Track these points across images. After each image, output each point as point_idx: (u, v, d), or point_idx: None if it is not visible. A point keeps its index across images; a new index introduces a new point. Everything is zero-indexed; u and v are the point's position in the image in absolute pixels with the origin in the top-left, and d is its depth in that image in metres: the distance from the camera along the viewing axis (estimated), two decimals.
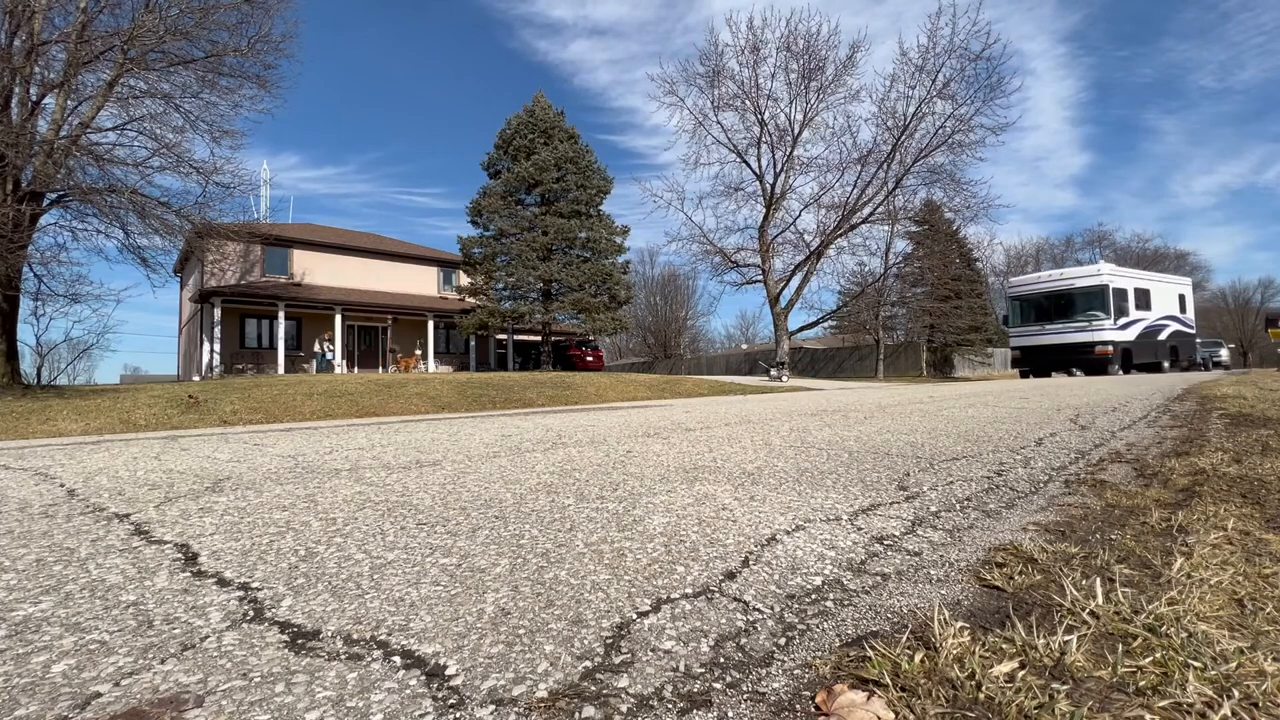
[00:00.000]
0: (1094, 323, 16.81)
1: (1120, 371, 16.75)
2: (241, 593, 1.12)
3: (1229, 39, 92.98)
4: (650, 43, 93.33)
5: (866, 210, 21.12)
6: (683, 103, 21.40)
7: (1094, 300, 16.98)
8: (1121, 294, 17.15)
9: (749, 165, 22.00)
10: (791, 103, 20.82)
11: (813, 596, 1.10)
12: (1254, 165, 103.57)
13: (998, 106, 19.12)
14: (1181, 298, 20.84)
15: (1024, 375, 19.22)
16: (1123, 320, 17.09)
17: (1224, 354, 31.46)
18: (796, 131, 20.99)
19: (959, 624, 0.92)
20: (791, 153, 21.30)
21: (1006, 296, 19.96)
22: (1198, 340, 23.56)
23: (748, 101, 20.97)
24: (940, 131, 19.82)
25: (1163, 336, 19.02)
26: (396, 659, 0.86)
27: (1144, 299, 18.21)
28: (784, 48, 20.19)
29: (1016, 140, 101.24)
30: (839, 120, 23.77)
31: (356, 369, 25.30)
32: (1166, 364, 18.97)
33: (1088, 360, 16.60)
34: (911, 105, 19.76)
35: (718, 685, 0.80)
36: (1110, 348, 16.33)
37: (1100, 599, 0.98)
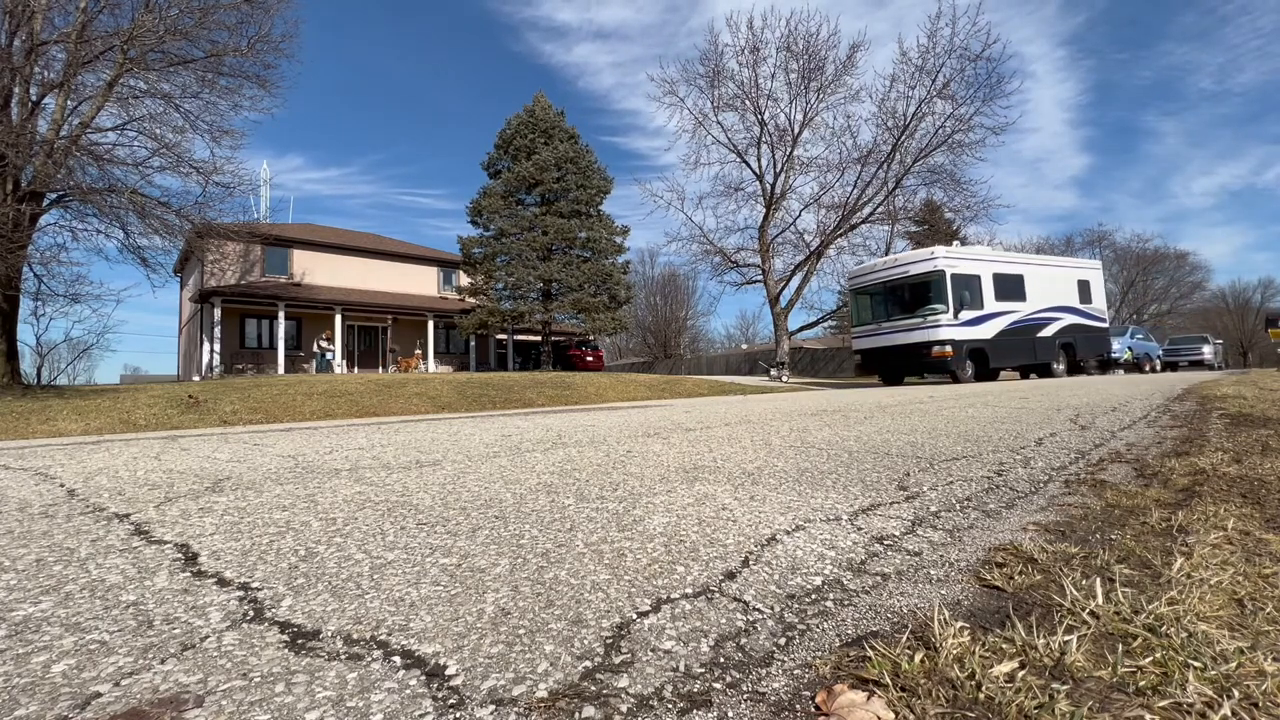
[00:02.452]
0: (930, 318, 13.34)
1: (971, 377, 13.63)
2: (241, 593, 1.12)
3: (1228, 42, 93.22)
4: (654, 46, 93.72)
5: (866, 210, 21.13)
6: (683, 103, 21.44)
7: (930, 291, 13.63)
8: (966, 282, 13.75)
9: (749, 165, 22.02)
10: (791, 103, 20.83)
11: (813, 596, 1.10)
12: (1253, 166, 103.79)
13: (998, 107, 19.15)
14: (1083, 285, 16.93)
15: (883, 379, 16.05)
16: (972, 314, 13.66)
17: (1206, 351, 27.14)
18: (796, 131, 21.00)
19: (959, 624, 0.92)
20: (791, 153, 21.31)
21: (847, 289, 16.45)
22: (1110, 334, 19.50)
23: (748, 102, 20.99)
24: (940, 131, 19.84)
25: (1048, 332, 15.37)
26: (396, 659, 0.86)
27: (1012, 287, 14.80)
28: (784, 48, 20.21)
29: (1017, 142, 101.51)
30: (839, 120, 23.76)
31: (356, 369, 25.30)
32: (1057, 365, 15.51)
33: (925, 363, 13.48)
34: (911, 105, 19.76)
35: (718, 685, 0.80)
36: (948, 348, 13.00)
37: (1100, 599, 0.98)
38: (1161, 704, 0.71)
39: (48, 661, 0.87)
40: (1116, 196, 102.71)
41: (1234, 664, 0.78)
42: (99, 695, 0.78)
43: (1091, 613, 0.95)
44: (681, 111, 21.71)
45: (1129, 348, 20.09)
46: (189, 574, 1.23)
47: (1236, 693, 0.72)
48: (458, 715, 0.72)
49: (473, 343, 27.79)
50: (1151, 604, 0.96)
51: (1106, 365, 18.35)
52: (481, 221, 25.56)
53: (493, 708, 0.74)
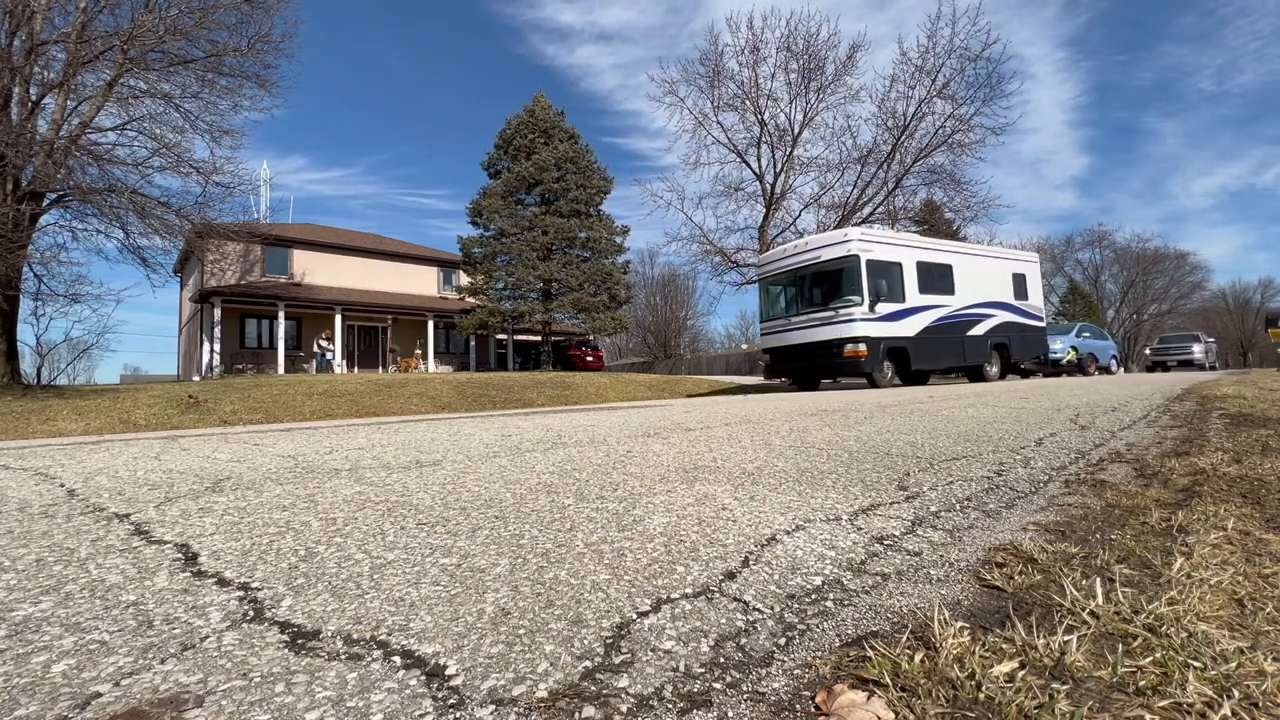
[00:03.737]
0: (842, 311, 11.29)
1: (892, 379, 11.87)
2: (241, 593, 1.12)
3: (1227, 44, 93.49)
4: (656, 47, 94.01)
5: (866, 210, 21.14)
6: (683, 103, 21.42)
7: (844, 280, 11.58)
8: (885, 270, 11.77)
9: (749, 165, 22.02)
10: (791, 103, 20.83)
11: (813, 596, 1.10)
12: (1252, 167, 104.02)
13: (998, 107, 19.15)
14: (1019, 278, 15.01)
15: (796, 383, 13.86)
16: (891, 308, 11.67)
17: (1196, 350, 25.03)
18: (796, 131, 21.00)
19: (959, 624, 0.92)
20: (791, 153, 21.31)
21: (757, 279, 13.97)
22: (1052, 333, 17.81)
23: (748, 101, 20.99)
24: (940, 131, 19.84)
25: (979, 330, 13.46)
26: (396, 659, 0.86)
27: (939, 278, 12.89)
28: (784, 48, 20.21)
29: (1017, 143, 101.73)
30: (839, 120, 23.79)
31: (356, 369, 25.29)
32: (990, 367, 13.69)
33: (835, 364, 11.41)
34: (911, 105, 19.76)
35: (718, 685, 0.80)
36: (862, 346, 11.01)
37: (1100, 599, 0.98)
38: (1161, 704, 0.71)
39: (48, 661, 0.87)
40: (1116, 197, 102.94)
41: (1234, 664, 0.78)
42: (99, 695, 0.78)
43: (1091, 613, 0.95)
44: (681, 112, 21.70)
45: (1072, 347, 17.75)
46: (189, 574, 1.23)
47: (1236, 693, 0.72)
48: (458, 715, 0.72)
49: (473, 343, 27.79)
50: (1151, 604, 0.96)
51: (1036, 368, 16.52)
52: (481, 221, 25.56)
53: (493, 708, 0.74)
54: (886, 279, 11.64)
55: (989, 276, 14.23)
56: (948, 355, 12.91)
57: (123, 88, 12.35)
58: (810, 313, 12.07)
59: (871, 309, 11.27)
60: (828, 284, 12.06)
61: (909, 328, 12.06)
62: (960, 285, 13.30)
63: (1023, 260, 15.59)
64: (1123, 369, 22.89)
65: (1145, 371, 25.76)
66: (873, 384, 11.66)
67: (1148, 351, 28.13)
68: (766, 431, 3.52)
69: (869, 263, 11.43)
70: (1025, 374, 16.42)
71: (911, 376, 12.80)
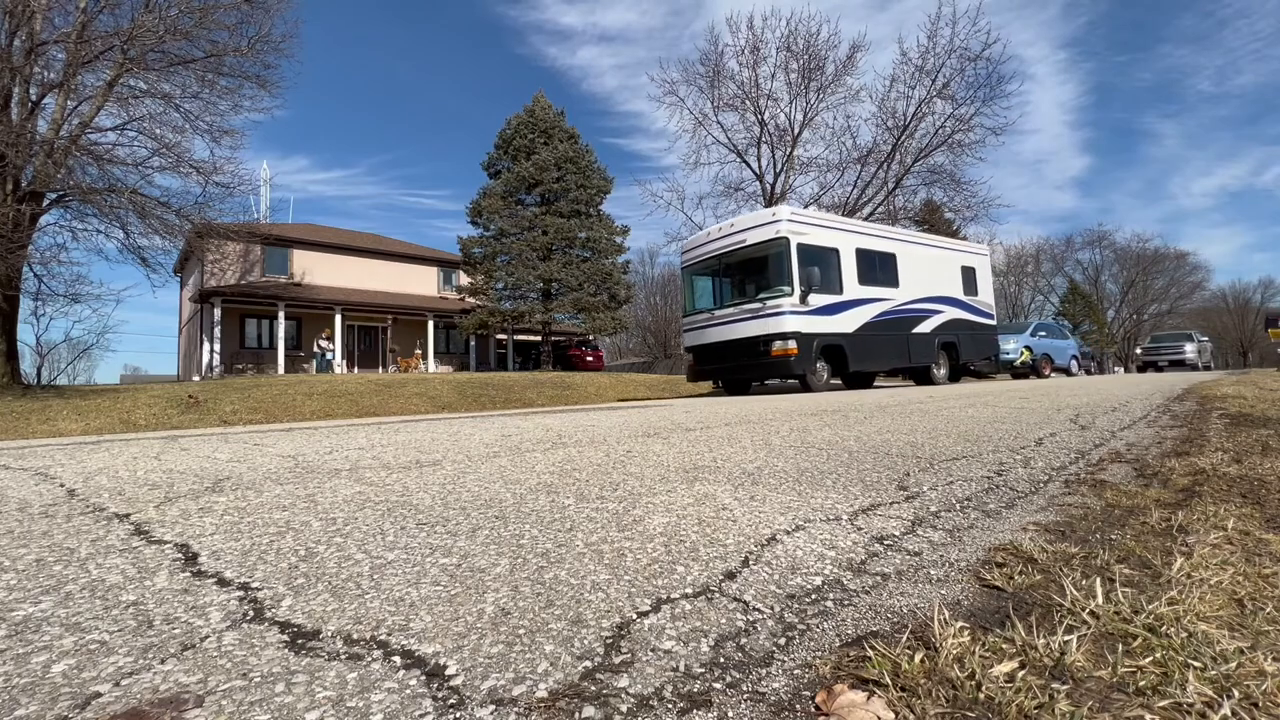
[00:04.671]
0: (770, 304, 9.75)
1: (827, 382, 10.37)
2: (241, 593, 1.12)
3: (1226, 45, 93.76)
4: (658, 49, 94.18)
5: (866, 210, 21.14)
6: (683, 103, 21.45)
7: (771, 267, 10.05)
8: (820, 257, 10.20)
9: (749, 165, 22.03)
10: (791, 102, 20.85)
11: (813, 596, 1.10)
12: (1252, 168, 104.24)
13: (998, 107, 19.16)
14: (969, 272, 13.66)
15: (724, 387, 12.23)
16: (827, 299, 10.16)
17: (1189, 350, 24.10)
18: (796, 131, 21.02)
19: (959, 624, 0.92)
20: (791, 153, 21.32)
21: (681, 267, 12.23)
22: (1009, 331, 16.89)
23: (748, 101, 21.00)
24: (940, 131, 19.85)
25: (925, 327, 12.10)
26: (396, 659, 0.86)
27: (881, 269, 11.49)
28: (784, 47, 20.22)
29: (1017, 143, 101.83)
30: (839, 120, 23.78)
31: (356, 369, 25.28)
32: (938, 369, 12.37)
33: (762, 364, 9.88)
34: (911, 105, 19.77)
35: (718, 685, 0.80)
36: (792, 343, 9.46)
37: (1100, 599, 0.98)
38: (1161, 704, 0.71)
39: (48, 661, 0.87)
40: (1116, 197, 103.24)
41: (1234, 664, 0.78)
42: (99, 695, 0.78)
43: (1091, 613, 0.95)
44: (682, 112, 21.72)
45: (1026, 347, 16.46)
46: (189, 574, 1.23)
47: (1236, 693, 0.72)
48: (458, 715, 0.72)
49: (473, 343, 27.79)
50: (1151, 604, 0.96)
51: (988, 369, 15.22)
52: (481, 221, 25.57)
53: (493, 708, 0.74)
54: (821, 267, 10.15)
55: (937, 269, 12.92)
56: (891, 354, 11.53)
57: (123, 88, 12.35)
58: (735, 305, 10.43)
59: (803, 300, 9.76)
60: (754, 272, 10.54)
61: (847, 323, 10.60)
62: (905, 277, 11.91)
63: (973, 253, 14.36)
64: (1084, 371, 21.37)
65: (1137, 372, 25.17)
66: (805, 387, 10.11)
67: (1138, 351, 27.26)
68: (766, 431, 3.52)
69: (800, 247, 9.89)
70: (980, 376, 15.33)
71: (851, 379, 11.58)
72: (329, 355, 22.58)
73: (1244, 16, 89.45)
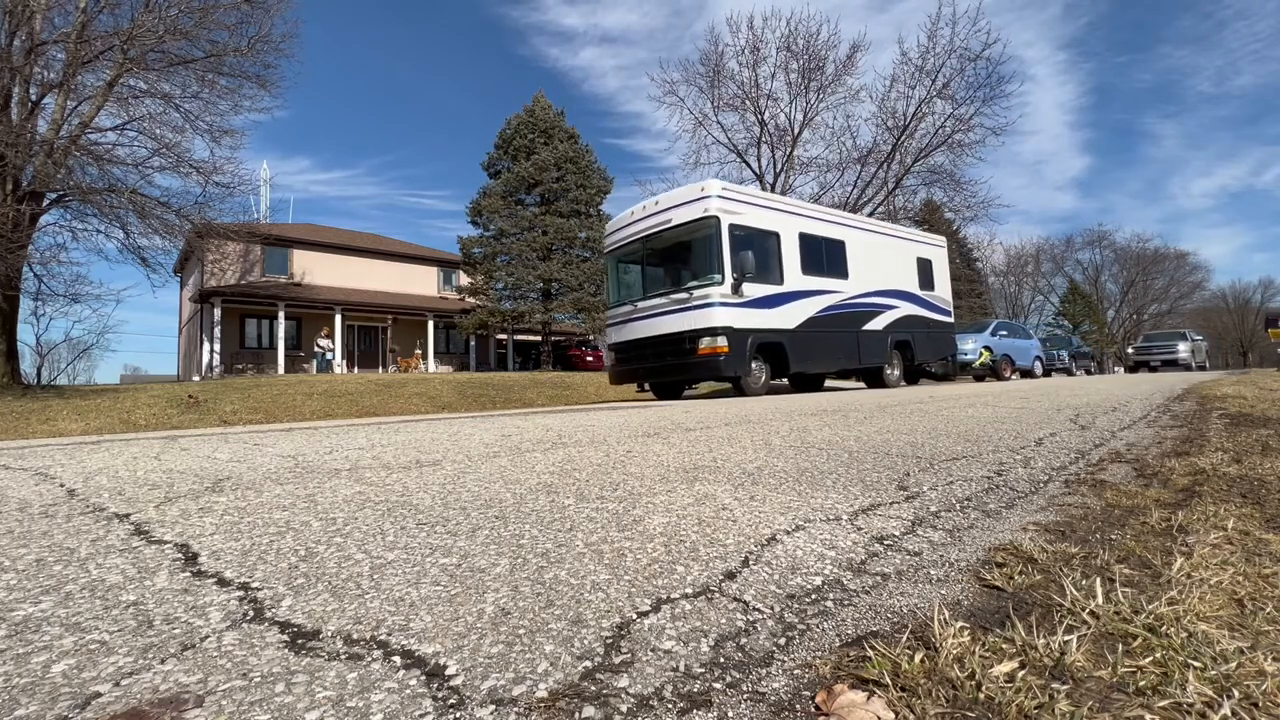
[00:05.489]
0: (698, 294, 8.42)
1: (759, 383, 8.95)
2: (241, 593, 1.12)
3: (1225, 46, 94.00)
4: (659, 49, 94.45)
5: (867, 210, 21.14)
6: (683, 103, 21.44)
7: (698, 251, 8.80)
8: (756, 240, 8.86)
9: (749, 165, 22.03)
10: (791, 102, 20.85)
11: (813, 596, 1.10)
12: (1252, 168, 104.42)
13: (998, 107, 19.16)
14: (924, 264, 12.40)
15: (652, 391, 10.81)
16: (763, 290, 8.81)
17: (1182, 349, 23.14)
18: (796, 131, 21.02)
19: (959, 624, 0.92)
20: (791, 152, 21.33)
21: (604, 251, 10.63)
22: (968, 331, 15.97)
23: (748, 101, 21.00)
24: (940, 131, 19.86)
25: (877, 324, 10.85)
26: (396, 659, 0.86)
27: (829, 257, 10.14)
28: (784, 47, 20.22)
29: (1017, 144, 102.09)
30: (839, 120, 23.80)
31: (356, 369, 25.28)
32: (890, 370, 11.20)
33: (688, 365, 8.48)
34: (911, 105, 19.77)
35: (718, 685, 0.80)
36: (721, 340, 8.11)
37: (1100, 599, 0.98)
38: (1161, 704, 0.71)
39: (48, 661, 0.87)
40: (1116, 197, 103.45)
41: (1234, 664, 0.78)
42: (99, 695, 0.78)
43: (1091, 613, 0.95)
44: (682, 112, 21.71)
45: (985, 348, 15.49)
46: (189, 574, 1.23)
47: (1236, 693, 0.72)
48: (458, 715, 0.72)
49: (473, 343, 27.79)
50: (1151, 604, 0.96)
51: (945, 371, 14.28)
52: (481, 221, 25.58)
53: (493, 708, 0.74)
54: (758, 252, 8.73)
55: (891, 259, 11.61)
56: (838, 354, 10.20)
57: (123, 88, 12.36)
58: (660, 296, 8.96)
59: (735, 291, 8.38)
60: (681, 257, 9.26)
61: (788, 317, 9.22)
62: (856, 267, 10.58)
63: (929, 243, 13.07)
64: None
65: (1127, 373, 24.64)
66: (739, 390, 8.80)
67: (1129, 351, 26.42)
68: (766, 431, 3.52)
69: (733, 229, 8.52)
70: (937, 378, 14.24)
71: (796, 382, 10.48)
72: (329, 355, 22.59)
73: (1243, 18, 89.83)
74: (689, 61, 29.88)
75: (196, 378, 21.66)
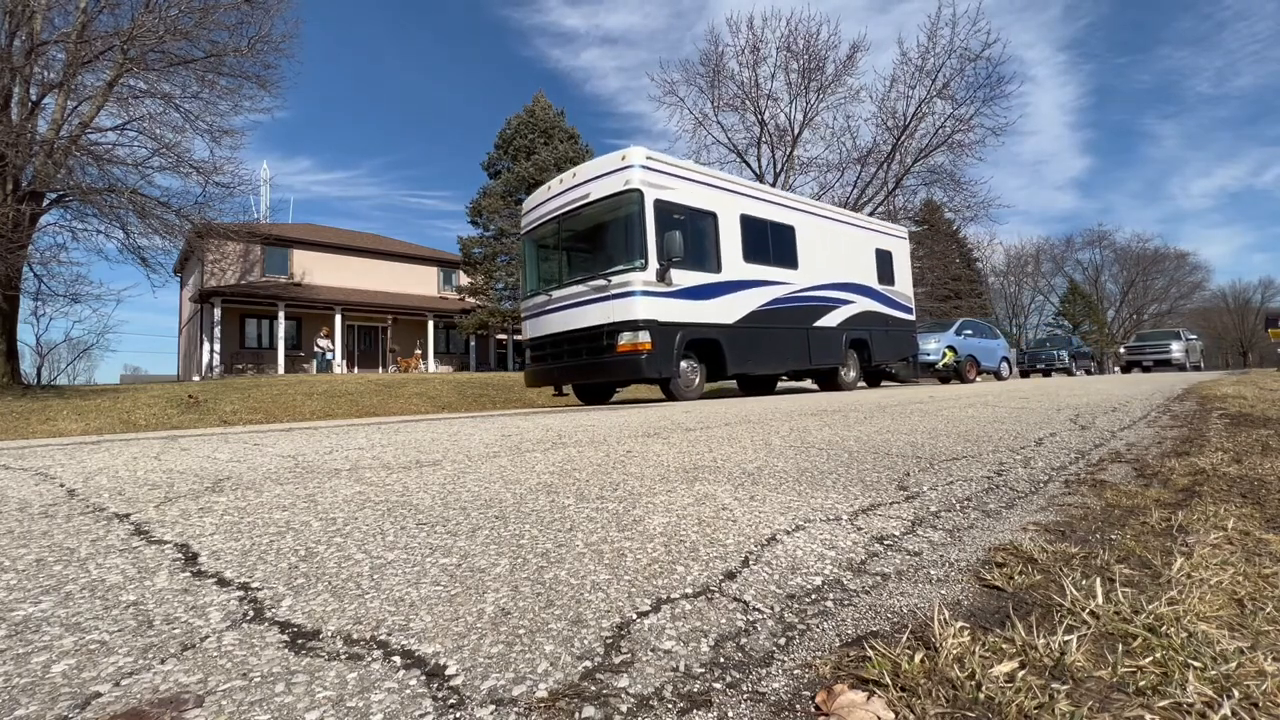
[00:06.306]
0: (616, 280, 7.16)
1: (692, 385, 7.77)
2: (241, 593, 1.12)
3: (1225, 47, 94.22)
4: (660, 50, 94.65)
5: (866, 210, 21.14)
6: (683, 103, 21.43)
7: (617, 231, 7.52)
8: (688, 220, 7.69)
9: (749, 165, 22.02)
10: (791, 102, 20.85)
11: (813, 596, 1.10)
12: (1251, 168, 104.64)
13: (998, 107, 19.17)
14: (884, 257, 11.39)
15: (576, 394, 9.67)
16: (695, 278, 7.65)
17: (1175, 349, 22.70)
18: (796, 131, 21.02)
19: (959, 624, 0.92)
20: (791, 153, 21.33)
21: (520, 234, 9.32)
22: (930, 330, 15.18)
23: (748, 101, 21.00)
24: (940, 131, 19.86)
25: (830, 320, 9.76)
26: (396, 659, 0.86)
27: (775, 244, 8.97)
28: (784, 47, 20.22)
29: (1017, 144, 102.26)
30: (839, 120, 23.79)
31: (356, 369, 25.28)
32: (846, 371, 10.24)
33: (605, 365, 7.25)
34: (911, 105, 19.77)
35: (718, 685, 0.80)
36: (644, 335, 6.92)
37: (1100, 599, 0.98)
38: (1161, 704, 0.71)
39: (48, 661, 0.87)
40: (1116, 198, 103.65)
41: (1234, 664, 0.78)
42: (99, 695, 0.78)
43: (1091, 613, 0.95)
44: (682, 112, 21.72)
45: (949, 348, 14.72)
46: (189, 574, 1.23)
47: (1236, 693, 0.72)
48: (458, 715, 0.72)
49: (473, 343, 27.79)
50: (1151, 604, 0.96)
51: (906, 372, 13.37)
52: (481, 222, 25.59)
53: (493, 708, 0.74)
54: (690, 234, 7.55)
55: (847, 249, 10.46)
56: (785, 353, 8.99)
57: (123, 88, 12.36)
58: (575, 284, 7.68)
59: (661, 278, 7.15)
60: (600, 239, 7.94)
61: (726, 311, 8.03)
62: (807, 257, 9.44)
63: (890, 234, 12.03)
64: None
65: (1120, 373, 24.33)
66: (668, 394, 7.62)
67: (1120, 350, 25.93)
68: (766, 431, 3.52)
69: (660, 206, 7.26)
70: (901, 381, 13.46)
71: (745, 385, 9.35)
72: (329, 355, 22.58)
73: (1243, 19, 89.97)
74: (689, 62, 29.87)
75: (196, 378, 21.66)
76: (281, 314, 22.81)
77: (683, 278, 7.48)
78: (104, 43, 11.68)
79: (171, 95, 12.87)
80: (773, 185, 21.45)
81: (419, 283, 28.39)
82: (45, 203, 12.56)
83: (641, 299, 7.04)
